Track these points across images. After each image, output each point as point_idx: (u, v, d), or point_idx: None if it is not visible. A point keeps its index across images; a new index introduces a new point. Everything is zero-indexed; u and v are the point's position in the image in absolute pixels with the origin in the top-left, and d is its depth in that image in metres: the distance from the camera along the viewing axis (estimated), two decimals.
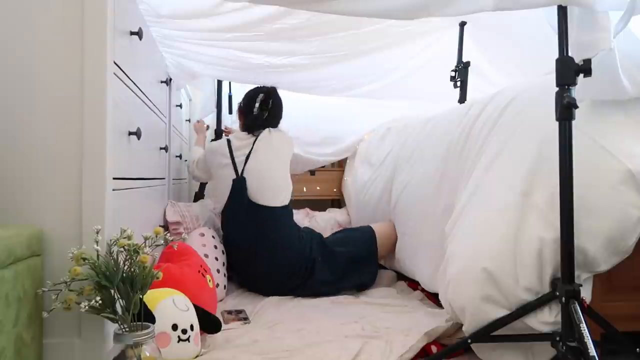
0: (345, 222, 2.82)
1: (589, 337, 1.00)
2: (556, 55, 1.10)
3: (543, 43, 1.34)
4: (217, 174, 2.11)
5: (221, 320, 1.39)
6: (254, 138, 2.08)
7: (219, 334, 1.35)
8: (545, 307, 1.16)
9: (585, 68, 1.06)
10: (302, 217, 2.82)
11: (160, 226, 1.76)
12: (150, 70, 1.70)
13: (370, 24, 2.01)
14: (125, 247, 0.99)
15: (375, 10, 1.13)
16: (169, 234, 1.10)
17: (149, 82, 1.64)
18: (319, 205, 3.06)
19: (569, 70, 1.07)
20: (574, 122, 1.08)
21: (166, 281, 1.20)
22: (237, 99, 2.92)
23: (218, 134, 2.77)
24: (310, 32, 1.98)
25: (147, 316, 1.05)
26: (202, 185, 2.77)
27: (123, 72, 1.21)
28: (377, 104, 2.83)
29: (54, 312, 0.96)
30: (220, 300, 1.82)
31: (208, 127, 2.70)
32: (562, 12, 1.10)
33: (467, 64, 2.26)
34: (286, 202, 2.04)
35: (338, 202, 3.33)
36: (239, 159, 2.04)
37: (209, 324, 1.31)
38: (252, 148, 2.05)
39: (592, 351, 0.98)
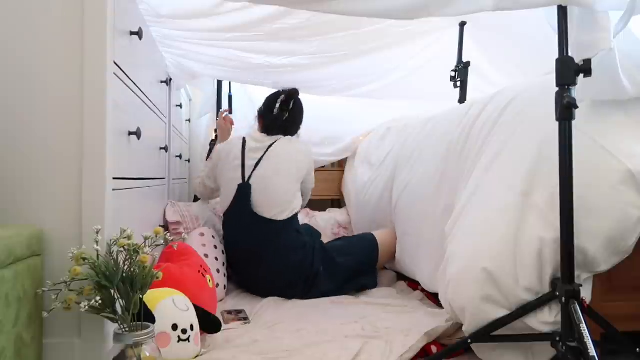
0: (345, 222, 2.82)
1: (589, 337, 1.00)
2: (556, 55, 1.10)
3: (543, 43, 1.34)
4: (223, 177, 2.03)
5: (221, 320, 1.39)
6: (270, 142, 2.01)
7: (219, 334, 1.35)
8: (545, 307, 1.15)
9: (585, 68, 1.06)
10: (302, 217, 2.81)
11: (160, 226, 1.76)
12: (150, 70, 1.70)
13: (370, 24, 2.01)
14: (125, 247, 0.99)
15: (375, 10, 1.13)
16: (169, 234, 1.10)
17: (149, 82, 1.64)
18: (319, 205, 3.06)
19: (569, 70, 1.07)
20: (574, 122, 1.08)
21: (166, 281, 1.20)
22: (237, 99, 2.94)
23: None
24: (310, 32, 1.98)
25: (147, 316, 1.05)
26: None
27: (123, 72, 1.21)
28: (377, 104, 2.83)
29: (54, 312, 0.96)
30: (220, 300, 1.82)
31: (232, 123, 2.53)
32: (562, 12, 1.10)
33: (467, 64, 2.26)
34: (291, 215, 1.96)
35: (338, 202, 3.33)
36: (250, 162, 1.96)
37: (209, 324, 1.30)
38: (264, 153, 1.97)
39: (592, 351, 0.98)
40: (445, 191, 1.61)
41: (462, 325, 1.25)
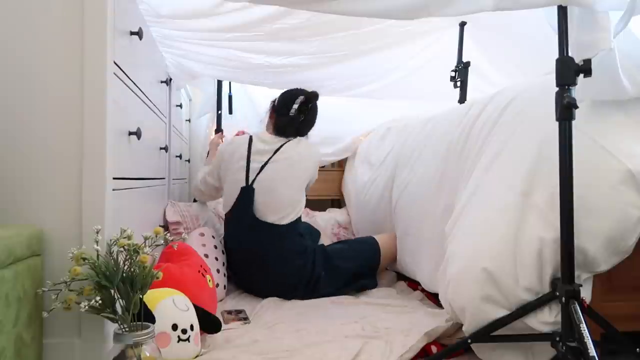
0: (345, 222, 2.82)
1: (589, 337, 1.00)
2: (556, 55, 1.10)
3: (543, 43, 1.34)
4: (227, 177, 2.00)
5: (221, 320, 1.39)
6: (278, 145, 1.96)
7: (219, 334, 1.35)
8: (545, 307, 1.15)
9: (585, 68, 1.06)
10: (302, 218, 2.81)
11: (160, 226, 1.76)
12: (150, 70, 1.70)
13: (370, 24, 2.02)
14: (125, 247, 0.99)
15: (375, 10, 1.13)
16: (169, 234, 1.10)
17: (149, 82, 1.64)
18: (319, 205, 3.06)
19: (569, 70, 1.07)
20: (574, 122, 1.08)
21: (166, 281, 1.20)
22: (237, 99, 2.95)
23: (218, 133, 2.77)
24: (310, 32, 1.99)
25: (147, 316, 1.05)
26: None
27: (123, 72, 1.21)
28: (377, 104, 2.83)
29: (54, 312, 0.96)
30: (220, 300, 1.82)
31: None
32: (562, 12, 1.10)
33: (467, 64, 2.26)
34: (295, 219, 1.93)
35: (338, 202, 3.33)
36: (255, 165, 1.92)
37: (209, 324, 1.30)
38: (271, 157, 1.93)
39: (592, 351, 0.98)
40: (445, 191, 1.61)
41: (462, 325, 1.25)
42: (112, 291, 0.98)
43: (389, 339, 1.33)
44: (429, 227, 1.71)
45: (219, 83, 2.78)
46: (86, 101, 1.04)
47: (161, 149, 1.86)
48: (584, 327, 1.02)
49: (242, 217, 1.92)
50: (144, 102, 1.52)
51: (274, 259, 1.87)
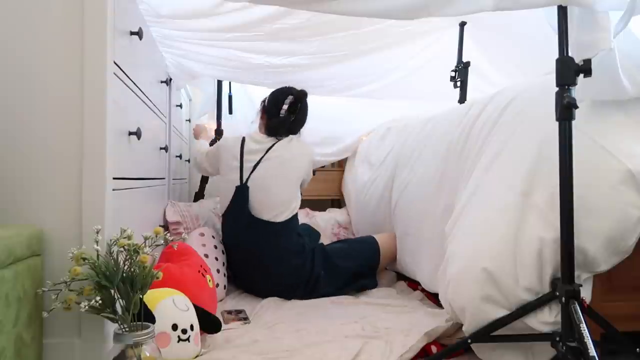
0: (345, 222, 2.82)
1: (589, 337, 1.00)
2: (556, 55, 1.10)
3: (543, 43, 1.34)
4: (223, 175, 2.03)
5: (221, 320, 1.39)
6: (269, 144, 1.97)
7: (219, 334, 1.35)
8: (545, 307, 1.16)
9: (585, 68, 1.06)
10: (302, 217, 2.80)
11: (160, 226, 1.76)
12: (150, 70, 1.70)
13: (370, 24, 2.02)
14: (125, 247, 0.99)
15: (375, 10, 1.13)
16: (169, 234, 1.10)
17: (149, 82, 1.64)
18: (319, 205, 3.06)
19: (569, 70, 1.07)
20: (574, 122, 1.08)
21: (166, 281, 1.20)
22: (237, 99, 2.95)
23: (218, 133, 2.77)
24: (310, 32, 1.98)
25: (147, 316, 1.05)
26: (202, 185, 2.77)
27: (123, 72, 1.21)
28: (377, 104, 2.83)
29: (54, 312, 0.96)
30: (220, 300, 1.82)
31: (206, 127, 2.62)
32: (562, 12, 1.10)
33: (467, 64, 2.27)
34: (290, 216, 1.94)
35: (338, 202, 3.33)
36: (248, 165, 1.94)
37: (209, 324, 1.30)
38: (264, 155, 1.95)
39: (592, 351, 0.98)
40: (445, 191, 1.61)
41: (462, 325, 1.25)
42: (112, 291, 0.98)
43: (389, 339, 1.33)
44: (429, 227, 1.71)
45: (219, 83, 2.78)
46: (86, 101, 1.04)
47: (161, 149, 1.86)
48: (584, 327, 1.02)
49: (238, 216, 1.93)
50: (144, 102, 1.52)
51: (272, 259, 1.87)
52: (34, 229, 0.99)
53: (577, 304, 1.06)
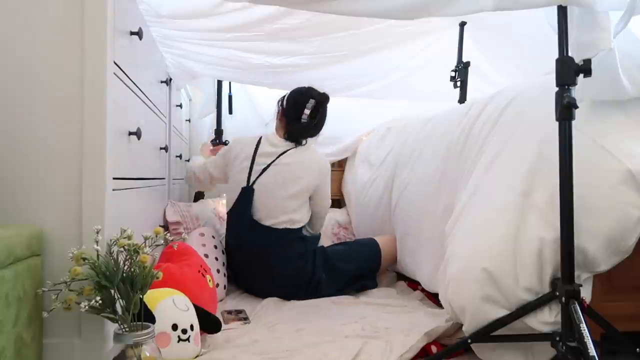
0: (345, 222, 2.82)
1: (589, 337, 1.00)
2: (556, 55, 1.10)
3: (543, 43, 1.34)
4: (232, 176, 2.00)
5: (221, 320, 1.39)
6: (284, 149, 1.93)
7: (219, 334, 1.35)
8: (545, 307, 1.16)
9: (585, 68, 1.06)
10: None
11: (160, 226, 1.76)
12: (150, 70, 1.70)
13: (370, 24, 2.02)
14: (125, 247, 0.99)
15: (375, 10, 1.13)
16: (169, 234, 1.10)
17: (149, 82, 1.64)
18: None
19: (569, 70, 1.07)
20: (574, 122, 1.08)
21: (166, 281, 1.20)
22: (237, 99, 2.95)
23: (218, 133, 2.77)
24: (310, 32, 1.98)
25: (147, 316, 1.05)
26: None
27: (123, 72, 1.21)
28: (377, 104, 2.83)
29: (54, 312, 0.96)
30: (220, 300, 1.82)
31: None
32: (562, 12, 1.10)
33: (467, 64, 2.27)
34: (292, 228, 1.89)
35: (338, 202, 3.33)
36: (257, 167, 1.91)
37: (209, 324, 1.30)
38: (274, 160, 1.91)
39: (592, 351, 0.98)
40: (445, 191, 1.61)
41: (462, 325, 1.25)
42: (112, 291, 0.98)
43: (389, 339, 1.33)
44: (429, 227, 1.71)
45: (219, 83, 2.78)
46: (86, 101, 1.04)
47: (161, 149, 1.86)
48: (584, 327, 1.02)
49: (241, 217, 1.92)
50: (144, 102, 1.52)
51: (273, 260, 1.87)
52: (34, 229, 0.99)
53: (577, 304, 1.06)
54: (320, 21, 1.89)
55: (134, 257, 0.99)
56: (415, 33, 2.24)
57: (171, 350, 1.15)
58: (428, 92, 2.61)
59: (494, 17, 1.92)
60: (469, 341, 1.19)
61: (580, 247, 1.12)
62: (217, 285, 1.79)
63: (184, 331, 1.18)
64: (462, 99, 2.26)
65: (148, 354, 1.00)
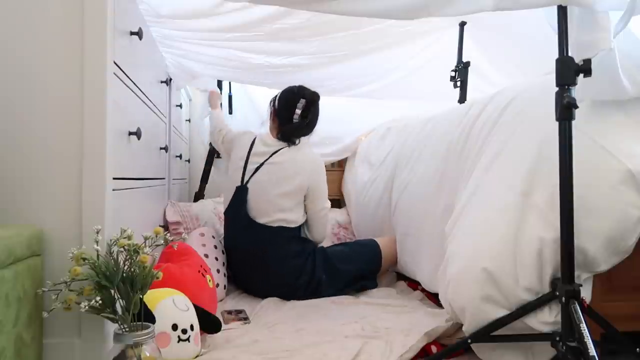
0: (345, 222, 2.82)
1: (589, 337, 1.00)
2: (556, 55, 1.10)
3: (543, 43, 1.34)
4: (229, 174, 2.01)
5: (221, 320, 1.39)
6: (276, 148, 1.94)
7: (219, 334, 1.35)
8: (545, 307, 1.15)
9: (585, 68, 1.06)
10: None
11: (160, 226, 1.76)
12: (150, 70, 1.70)
13: (370, 24, 2.02)
14: (125, 247, 0.99)
15: (375, 10, 1.13)
16: (169, 234, 1.10)
17: (149, 82, 1.64)
18: None
19: (569, 70, 1.07)
20: (574, 122, 1.08)
21: (166, 281, 1.20)
22: (237, 99, 2.95)
23: None
24: (310, 32, 1.98)
25: (147, 316, 1.05)
26: (202, 185, 2.77)
27: (123, 72, 1.21)
28: (377, 104, 2.83)
29: (54, 312, 0.96)
30: (220, 300, 1.82)
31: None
32: (562, 12, 1.10)
33: (467, 64, 2.26)
34: (286, 227, 1.89)
35: (338, 202, 3.33)
36: (251, 166, 1.93)
37: (209, 324, 1.30)
38: (267, 159, 1.92)
39: (592, 351, 0.98)
40: (445, 191, 1.61)
41: (462, 325, 1.25)
42: (112, 291, 0.98)
43: (389, 339, 1.33)
44: (429, 227, 1.71)
45: (219, 83, 2.78)
46: (86, 101, 1.04)
47: (161, 149, 1.86)
48: (584, 327, 1.02)
49: (236, 217, 1.93)
50: (144, 102, 1.52)
51: (270, 258, 1.87)
52: (34, 229, 0.99)
53: (577, 304, 1.05)
54: (320, 21, 1.89)
55: (134, 257, 0.99)
56: (415, 33, 2.24)
57: (171, 350, 1.15)
58: (428, 92, 2.61)
59: (494, 17, 1.92)
60: (469, 341, 1.19)
61: (580, 247, 1.12)
62: (217, 285, 1.79)
63: (184, 331, 1.18)
64: (462, 99, 2.26)
65: (148, 354, 1.00)
